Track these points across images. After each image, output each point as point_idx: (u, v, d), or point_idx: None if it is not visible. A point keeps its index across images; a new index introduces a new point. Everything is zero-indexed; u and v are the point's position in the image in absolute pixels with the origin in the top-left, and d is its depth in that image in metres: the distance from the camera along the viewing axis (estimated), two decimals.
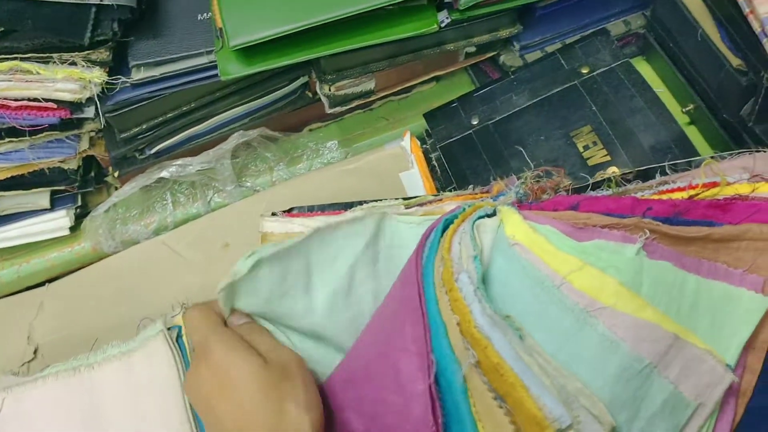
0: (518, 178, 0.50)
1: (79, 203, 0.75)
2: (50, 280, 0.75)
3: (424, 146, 0.71)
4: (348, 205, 0.60)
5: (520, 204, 0.47)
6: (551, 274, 0.41)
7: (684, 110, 0.65)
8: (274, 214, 0.61)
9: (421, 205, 0.53)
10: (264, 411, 0.39)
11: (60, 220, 0.73)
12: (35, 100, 0.60)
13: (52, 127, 0.64)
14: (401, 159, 0.70)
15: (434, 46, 0.64)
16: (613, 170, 0.60)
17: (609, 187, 0.48)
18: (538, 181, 0.50)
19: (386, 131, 0.76)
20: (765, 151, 0.46)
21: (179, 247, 0.72)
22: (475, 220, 0.46)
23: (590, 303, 0.39)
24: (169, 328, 0.54)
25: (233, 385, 0.40)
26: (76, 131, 0.67)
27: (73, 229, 0.75)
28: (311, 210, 0.62)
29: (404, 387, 0.39)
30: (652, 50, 0.69)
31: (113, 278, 0.72)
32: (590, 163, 0.61)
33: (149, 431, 0.51)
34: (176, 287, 0.69)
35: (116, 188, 0.77)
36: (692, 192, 0.46)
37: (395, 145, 0.71)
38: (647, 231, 0.40)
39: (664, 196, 0.46)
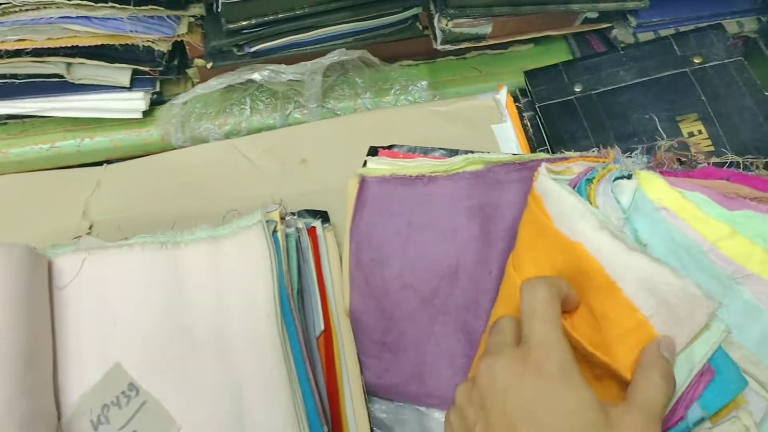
0: (656, 147, 0.50)
1: (157, 89, 0.72)
2: (108, 162, 0.73)
3: (517, 104, 0.70)
4: (452, 152, 0.59)
5: (663, 171, 0.47)
6: (699, 240, 0.41)
7: None
8: (373, 150, 0.61)
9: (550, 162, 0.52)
10: None
11: (135, 102, 0.71)
12: None
13: (158, 1, 0.62)
14: (494, 111, 0.70)
15: (561, 3, 0.64)
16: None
17: (744, 169, 0.49)
18: (668, 152, 0.50)
19: (476, 83, 0.76)
20: None
21: (251, 154, 0.71)
22: (613, 180, 0.46)
23: (738, 270, 0.39)
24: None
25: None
26: (179, 12, 0.65)
27: (145, 114, 0.73)
28: (412, 151, 0.61)
29: None
30: (759, 56, 0.70)
31: (177, 172, 0.70)
32: (693, 150, 0.61)
33: (230, 317, 0.50)
34: (244, 192, 0.67)
35: (194, 83, 0.75)
36: None
37: (489, 96, 0.71)
38: None
39: None
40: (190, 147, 0.72)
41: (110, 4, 0.62)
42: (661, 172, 0.46)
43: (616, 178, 0.45)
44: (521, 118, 0.69)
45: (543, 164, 0.47)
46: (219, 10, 0.60)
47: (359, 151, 0.63)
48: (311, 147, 0.70)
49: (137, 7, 0.62)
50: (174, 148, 0.73)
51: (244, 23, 0.64)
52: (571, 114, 0.66)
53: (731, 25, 0.70)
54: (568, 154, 0.50)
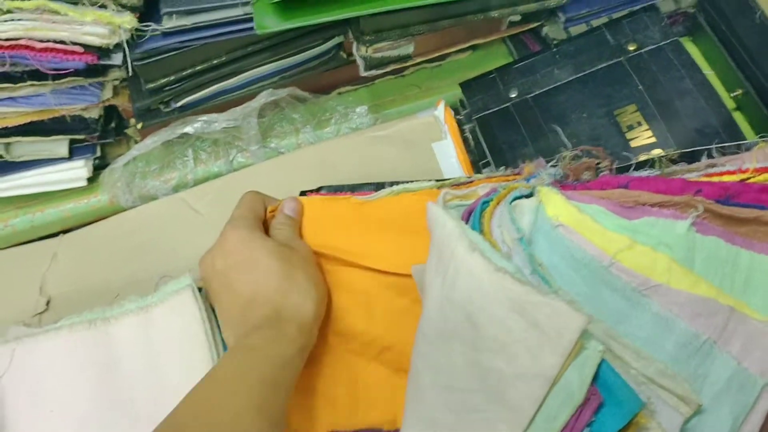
0: (559, 158, 0.48)
1: (98, 154, 0.73)
2: (64, 232, 0.73)
3: (458, 117, 0.69)
4: (378, 186, 0.58)
5: (562, 184, 0.45)
6: (599, 255, 0.39)
7: (732, 95, 0.63)
8: (303, 193, 0.60)
9: (453, 186, 0.51)
10: (276, 276, 0.46)
11: (78, 170, 0.71)
12: (61, 42, 0.58)
13: (76, 73, 0.62)
14: (434, 128, 0.68)
15: (478, 12, 0.61)
16: (657, 152, 0.58)
17: (653, 167, 0.46)
18: (576, 160, 0.48)
19: (417, 99, 0.74)
20: None
21: (199, 205, 0.70)
22: (511, 201, 0.44)
23: (643, 282, 0.38)
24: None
25: (252, 259, 0.48)
26: (100, 79, 0.64)
27: (91, 180, 0.73)
28: (340, 190, 0.59)
29: None
30: (701, 31, 0.66)
31: (130, 233, 0.70)
32: (633, 144, 0.59)
33: (168, 386, 0.50)
34: (195, 245, 0.66)
35: (136, 141, 0.75)
36: (743, 176, 0.45)
37: (428, 114, 0.69)
38: (699, 207, 0.39)
39: (713, 179, 0.45)
40: (140, 206, 0.72)
41: (29, 82, 0.62)
42: (562, 186, 0.44)
43: (516, 198, 0.43)
44: (462, 131, 0.67)
45: (444, 190, 0.46)
46: (131, 72, 0.60)
47: (303, 187, 0.62)
48: (257, 189, 0.69)
49: (56, 81, 0.62)
50: (124, 210, 0.73)
51: (162, 81, 0.63)
52: (508, 122, 0.64)
53: (667, 4, 0.67)
54: (474, 176, 0.49)
